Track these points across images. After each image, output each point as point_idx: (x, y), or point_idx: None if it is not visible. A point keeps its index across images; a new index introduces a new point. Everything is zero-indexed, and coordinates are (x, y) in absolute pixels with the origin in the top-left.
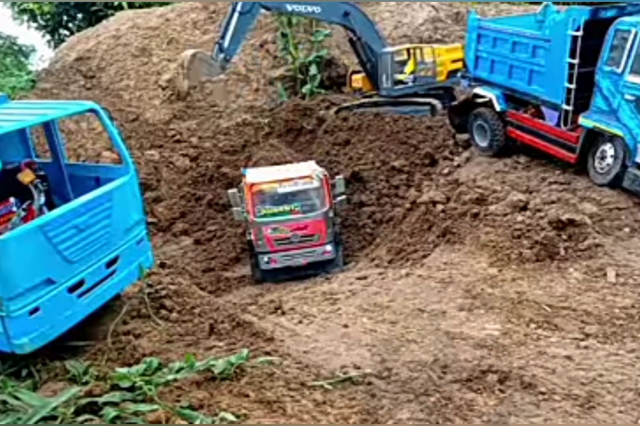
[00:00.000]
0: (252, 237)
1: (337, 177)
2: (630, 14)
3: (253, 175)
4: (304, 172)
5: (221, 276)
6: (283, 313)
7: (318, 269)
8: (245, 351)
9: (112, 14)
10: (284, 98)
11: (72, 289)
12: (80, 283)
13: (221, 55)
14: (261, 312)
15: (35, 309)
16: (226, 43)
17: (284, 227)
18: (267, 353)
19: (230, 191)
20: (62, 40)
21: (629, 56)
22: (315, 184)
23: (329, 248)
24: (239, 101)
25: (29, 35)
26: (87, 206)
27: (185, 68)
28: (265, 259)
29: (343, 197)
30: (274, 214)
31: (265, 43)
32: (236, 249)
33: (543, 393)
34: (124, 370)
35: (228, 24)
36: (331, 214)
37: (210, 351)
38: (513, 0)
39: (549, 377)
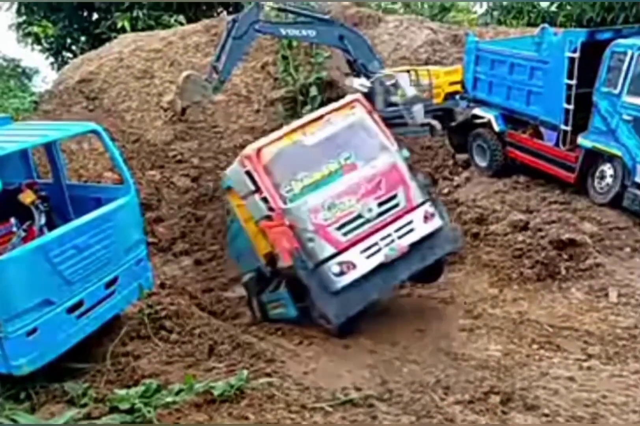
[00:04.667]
0: (284, 246)
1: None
2: (626, 36)
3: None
4: (335, 104)
5: (221, 296)
6: (283, 334)
7: (431, 254)
8: (245, 372)
9: (115, 37)
10: (284, 119)
11: (70, 310)
12: (79, 304)
13: (216, 78)
14: (261, 333)
15: (33, 330)
16: (221, 66)
17: (344, 199)
18: (268, 375)
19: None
20: (66, 63)
21: (625, 77)
22: (361, 112)
23: (429, 208)
24: (240, 121)
25: (33, 58)
26: (88, 226)
27: (179, 89)
28: (335, 269)
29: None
30: (317, 185)
31: (266, 65)
32: (237, 269)
33: (547, 415)
34: (122, 392)
35: (223, 47)
36: (405, 152)
37: (210, 372)
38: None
39: (552, 399)
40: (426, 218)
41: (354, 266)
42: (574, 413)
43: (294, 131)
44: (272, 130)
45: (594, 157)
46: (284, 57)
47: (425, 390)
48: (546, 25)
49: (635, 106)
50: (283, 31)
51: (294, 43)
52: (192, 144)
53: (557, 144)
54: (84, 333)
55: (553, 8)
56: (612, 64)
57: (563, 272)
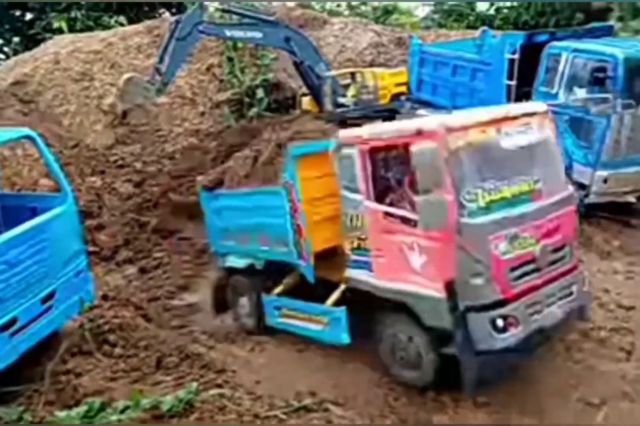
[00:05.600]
0: (433, 272)
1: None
2: (560, 38)
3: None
4: (526, 107)
5: (168, 304)
6: (234, 342)
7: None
8: (194, 384)
9: (51, 38)
10: (231, 121)
11: (3, 329)
12: (12, 322)
13: (159, 80)
14: (211, 341)
15: None
16: (164, 68)
17: (527, 233)
18: (218, 386)
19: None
20: None
21: (561, 78)
22: (551, 128)
23: (584, 275)
24: (184, 124)
25: None
26: (20, 239)
27: (120, 91)
28: (500, 322)
29: None
30: (504, 204)
31: (211, 67)
32: (184, 276)
33: None
34: (63, 414)
35: (166, 48)
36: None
37: (157, 386)
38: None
39: None
40: (581, 285)
41: (517, 324)
42: None
43: (486, 123)
44: (219, 133)
45: None
46: (230, 59)
47: (378, 391)
48: (486, 28)
49: (571, 106)
50: (228, 33)
51: (240, 44)
52: (134, 148)
53: None
54: (18, 352)
55: (491, 11)
56: (549, 65)
57: None
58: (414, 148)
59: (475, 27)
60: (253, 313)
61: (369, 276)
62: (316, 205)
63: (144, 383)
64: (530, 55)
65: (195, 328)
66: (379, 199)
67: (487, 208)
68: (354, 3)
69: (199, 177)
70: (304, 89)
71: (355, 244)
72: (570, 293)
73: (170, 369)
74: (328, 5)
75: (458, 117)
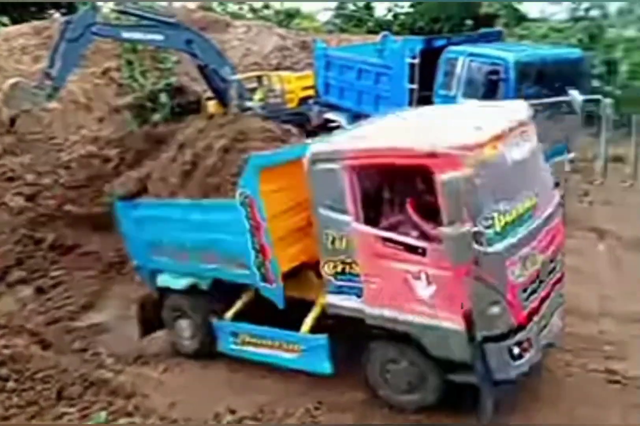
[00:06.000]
0: (447, 304)
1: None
2: (457, 43)
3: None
4: (508, 112)
5: (69, 326)
6: (146, 363)
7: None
8: (102, 414)
9: None
10: (133, 127)
11: None
12: None
13: (49, 84)
14: (119, 364)
15: None
16: (54, 72)
17: (536, 249)
18: (128, 414)
19: None
20: None
21: (459, 81)
22: (534, 137)
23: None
24: (82, 131)
25: None
26: None
27: (5, 96)
28: (516, 350)
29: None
30: (514, 225)
31: (108, 70)
32: (88, 294)
33: None
34: None
35: (55, 50)
36: None
37: (60, 420)
38: None
39: None
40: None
41: (530, 347)
42: None
43: (497, 138)
44: (121, 139)
45: None
46: (129, 63)
47: (298, 401)
48: (387, 33)
49: None
50: (125, 34)
51: (140, 47)
52: (24, 159)
53: None
54: None
55: (389, 17)
56: (447, 69)
57: None
58: (445, 177)
59: (375, 32)
60: (198, 337)
61: (357, 303)
62: (281, 219)
63: (42, 418)
64: (429, 60)
65: (101, 350)
66: (370, 221)
67: (503, 232)
68: (256, 5)
69: (111, 185)
70: (209, 93)
71: (338, 269)
72: (561, 304)
73: (73, 399)
74: (230, 7)
75: (469, 134)
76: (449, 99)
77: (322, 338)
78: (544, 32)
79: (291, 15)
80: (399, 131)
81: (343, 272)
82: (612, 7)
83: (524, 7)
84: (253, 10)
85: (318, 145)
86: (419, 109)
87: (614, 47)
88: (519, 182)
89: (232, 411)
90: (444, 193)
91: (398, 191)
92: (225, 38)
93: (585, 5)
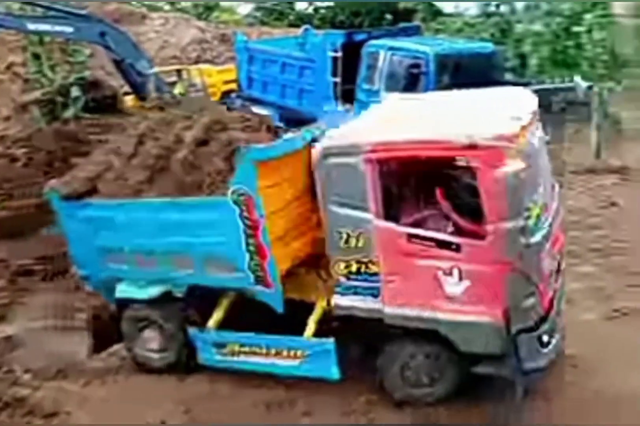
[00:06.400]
0: (484, 298)
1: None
2: (377, 37)
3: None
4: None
5: None
6: (66, 376)
7: None
8: None
9: None
10: (42, 124)
11: None
12: None
13: None
14: (37, 380)
15: None
16: None
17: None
18: None
19: None
20: None
21: (381, 75)
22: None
23: None
24: None
25: None
26: None
27: None
28: (545, 338)
29: None
30: (541, 218)
31: (12, 65)
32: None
33: None
34: None
35: None
36: None
37: None
38: None
39: None
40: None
41: (554, 333)
42: None
43: (526, 127)
44: (28, 138)
45: None
46: (36, 56)
47: (234, 407)
48: (308, 26)
49: None
50: (31, 26)
51: (47, 38)
52: None
53: None
54: None
55: (310, 11)
56: (369, 62)
57: None
58: (501, 171)
59: (296, 26)
60: (173, 350)
61: (374, 303)
62: (278, 217)
63: None
64: (351, 54)
65: (15, 366)
66: (391, 217)
67: (537, 225)
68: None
69: (50, 185)
70: (127, 88)
71: (352, 268)
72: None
73: None
74: None
75: (504, 124)
76: (372, 94)
77: (328, 342)
78: (459, 27)
79: (210, 8)
80: (418, 121)
81: (358, 272)
82: (520, 3)
83: (439, 3)
84: (170, 2)
85: (330, 138)
86: (418, 95)
87: (523, 41)
88: (539, 172)
89: (163, 422)
90: (499, 188)
91: (424, 186)
92: (142, 30)
93: (495, 1)
